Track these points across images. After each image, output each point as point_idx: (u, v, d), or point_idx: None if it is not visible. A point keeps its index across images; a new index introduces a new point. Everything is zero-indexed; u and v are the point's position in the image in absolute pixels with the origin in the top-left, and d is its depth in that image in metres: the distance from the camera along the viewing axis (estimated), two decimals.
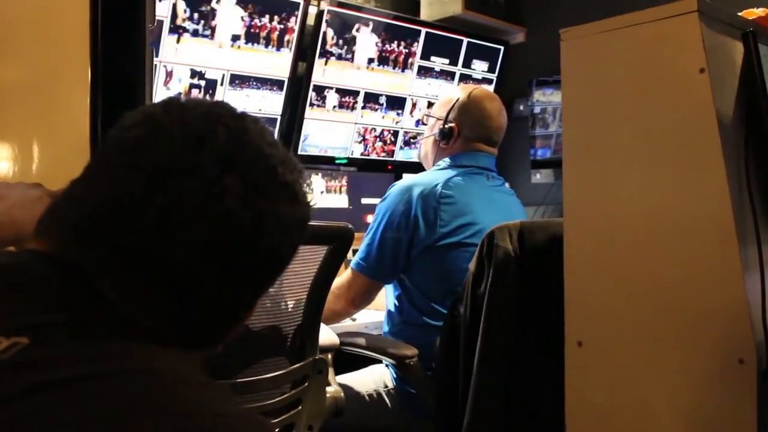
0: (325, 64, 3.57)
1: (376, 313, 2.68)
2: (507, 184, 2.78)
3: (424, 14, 4.06)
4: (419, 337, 2.30)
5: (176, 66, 3.08)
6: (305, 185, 0.88)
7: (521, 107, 4.35)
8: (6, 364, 0.65)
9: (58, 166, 1.58)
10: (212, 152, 0.77)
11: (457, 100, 2.55)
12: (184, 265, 0.76)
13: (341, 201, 3.81)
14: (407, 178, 2.50)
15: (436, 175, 2.45)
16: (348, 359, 2.33)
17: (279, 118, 3.48)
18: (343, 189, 3.82)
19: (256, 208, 0.78)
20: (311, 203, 0.88)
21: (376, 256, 2.35)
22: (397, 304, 2.43)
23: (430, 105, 3.90)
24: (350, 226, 1.90)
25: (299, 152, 3.61)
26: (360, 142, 3.85)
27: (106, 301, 0.74)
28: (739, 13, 1.63)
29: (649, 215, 1.47)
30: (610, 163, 1.54)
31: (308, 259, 1.86)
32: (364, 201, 3.81)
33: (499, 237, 1.95)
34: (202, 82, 3.17)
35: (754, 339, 1.33)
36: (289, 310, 1.93)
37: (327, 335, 2.15)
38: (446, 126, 2.52)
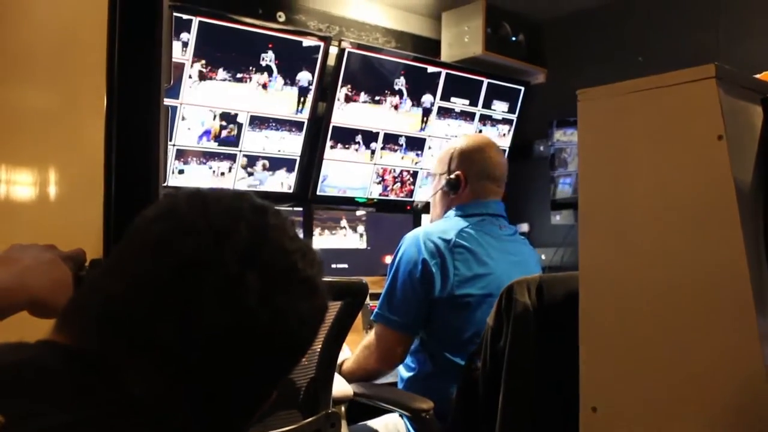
0: (345, 104, 3.58)
1: None
2: (522, 228, 2.77)
3: (445, 55, 4.08)
4: (434, 389, 2.28)
5: (196, 108, 3.10)
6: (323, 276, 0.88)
7: (541, 148, 4.35)
8: None
9: (73, 192, 1.59)
10: (234, 249, 0.78)
11: (455, 149, 2.56)
12: (204, 359, 0.77)
13: (360, 241, 3.81)
14: (419, 228, 2.48)
15: (448, 224, 2.44)
16: (361, 407, 2.32)
17: (298, 159, 3.49)
18: (362, 229, 3.81)
19: (276, 305, 0.80)
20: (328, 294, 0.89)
21: (402, 307, 2.33)
22: (410, 354, 2.41)
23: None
24: (364, 280, 1.89)
25: (318, 193, 3.62)
26: (379, 183, 3.85)
27: (126, 395, 0.75)
28: (758, 76, 1.61)
29: (665, 282, 1.45)
30: (626, 228, 1.52)
31: None
32: (383, 241, 3.80)
33: (517, 291, 1.92)
34: (225, 123, 3.20)
35: None
36: (303, 362, 1.92)
37: (341, 386, 2.13)
38: (452, 176, 2.52)
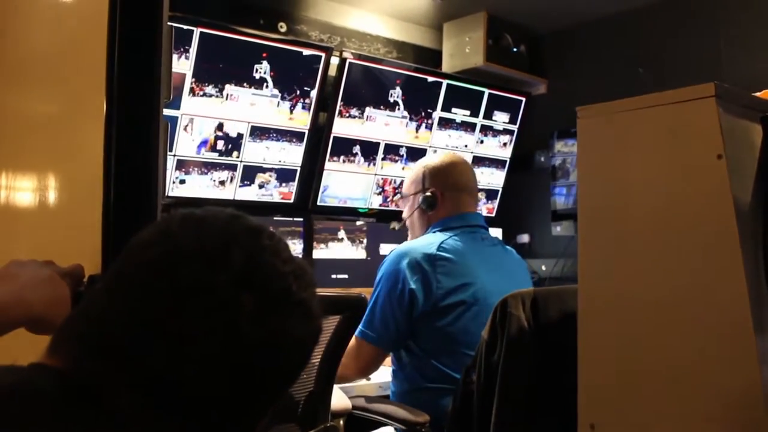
0: (346, 115, 3.58)
1: (388, 372, 2.65)
2: (522, 239, 2.77)
3: (446, 66, 4.09)
4: (426, 400, 2.28)
5: (197, 118, 3.10)
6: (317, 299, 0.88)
7: (542, 158, 4.35)
8: None
9: (71, 205, 1.59)
10: (227, 273, 0.78)
11: (426, 167, 2.59)
12: (198, 383, 0.77)
13: (360, 252, 3.80)
14: (403, 244, 2.49)
15: (430, 239, 2.45)
16: (357, 420, 2.31)
17: (299, 169, 3.49)
18: (362, 239, 3.81)
19: (271, 329, 0.80)
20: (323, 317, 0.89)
21: (381, 325, 2.34)
22: (399, 366, 2.41)
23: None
24: (363, 295, 1.89)
25: (318, 203, 3.62)
26: (379, 193, 3.85)
27: (118, 420, 0.75)
28: (757, 94, 1.61)
29: (664, 301, 1.44)
30: (624, 247, 1.51)
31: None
32: (383, 252, 3.80)
33: (512, 305, 1.92)
34: (222, 133, 3.20)
35: None
36: (302, 376, 1.91)
37: (339, 400, 2.13)
38: (427, 193, 2.54)
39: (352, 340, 2.35)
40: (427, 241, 2.43)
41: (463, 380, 2.08)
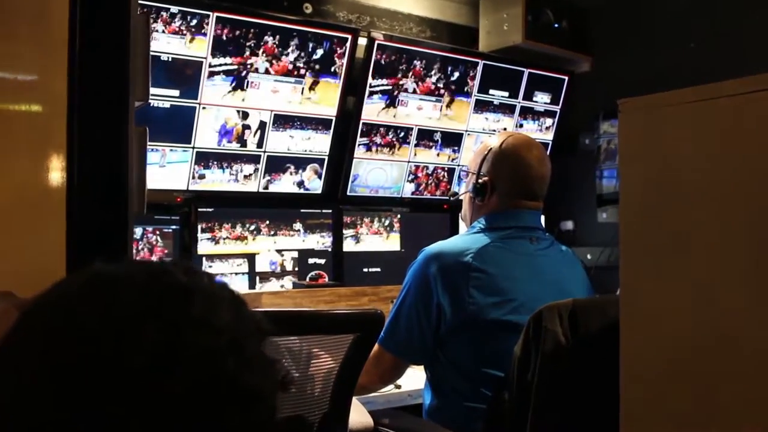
0: (376, 99, 3.40)
1: (420, 379, 2.48)
2: (567, 226, 2.52)
3: (483, 45, 3.87)
4: (456, 419, 2.08)
5: (216, 108, 2.95)
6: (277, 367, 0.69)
7: (587, 141, 4.11)
8: None
9: (33, 225, 1.40)
10: (139, 356, 0.60)
11: (490, 150, 2.25)
12: None
13: (393, 244, 3.63)
14: (435, 247, 2.18)
15: (468, 242, 2.16)
16: None
17: (326, 158, 3.32)
18: (396, 230, 3.63)
19: (198, 424, 0.62)
20: (287, 386, 0.71)
21: (404, 334, 2.13)
22: (430, 379, 2.21)
23: None
24: (379, 311, 1.72)
25: (348, 193, 3.45)
26: (411, 181, 3.66)
27: None
28: None
29: (721, 322, 1.25)
30: (673, 256, 1.31)
31: (335, 346, 1.69)
32: (418, 243, 3.62)
33: (547, 319, 1.74)
34: (247, 122, 3.05)
35: None
36: (315, 396, 1.76)
37: (360, 417, 1.98)
38: (479, 181, 2.24)
39: (375, 346, 2.17)
40: (463, 245, 2.14)
41: (495, 399, 1.92)
